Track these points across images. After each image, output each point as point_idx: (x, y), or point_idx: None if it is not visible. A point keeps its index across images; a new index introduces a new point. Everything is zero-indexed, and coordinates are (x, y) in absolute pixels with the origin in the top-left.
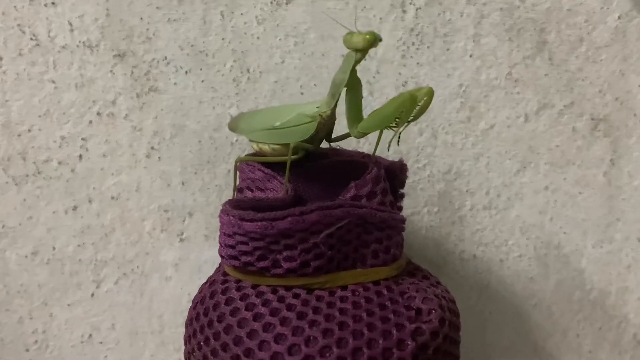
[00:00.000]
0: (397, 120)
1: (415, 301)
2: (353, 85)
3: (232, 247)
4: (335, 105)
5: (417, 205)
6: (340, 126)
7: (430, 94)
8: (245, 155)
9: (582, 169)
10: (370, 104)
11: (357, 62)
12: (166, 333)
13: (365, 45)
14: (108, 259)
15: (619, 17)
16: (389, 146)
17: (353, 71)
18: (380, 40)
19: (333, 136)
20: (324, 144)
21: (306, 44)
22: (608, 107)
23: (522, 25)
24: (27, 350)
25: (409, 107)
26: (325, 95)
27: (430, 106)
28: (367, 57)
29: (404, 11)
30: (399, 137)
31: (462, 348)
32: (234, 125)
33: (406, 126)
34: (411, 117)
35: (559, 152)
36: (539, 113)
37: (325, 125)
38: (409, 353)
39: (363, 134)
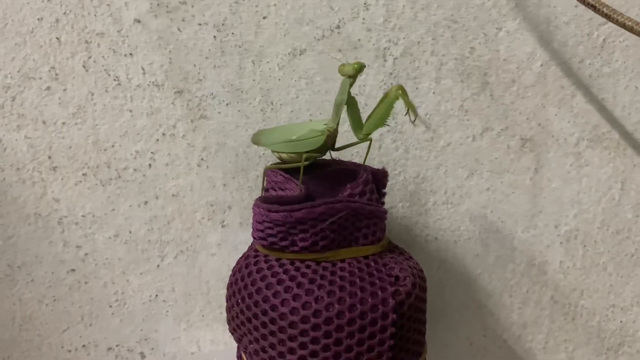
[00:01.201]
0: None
1: (394, 270)
2: (351, 103)
3: (262, 231)
4: (338, 122)
5: (394, 201)
6: (342, 138)
7: (400, 87)
8: (271, 164)
9: (514, 175)
10: None
11: (351, 85)
12: (212, 294)
13: (354, 72)
14: (169, 240)
15: (541, 65)
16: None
17: (349, 93)
18: (365, 66)
19: (336, 146)
20: (327, 155)
21: (314, 84)
22: (533, 130)
23: (470, 71)
24: (110, 306)
25: (392, 102)
26: (329, 115)
27: (404, 129)
28: (356, 94)
29: (385, 60)
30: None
31: (427, 305)
32: (257, 140)
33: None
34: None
35: (497, 163)
36: (483, 134)
37: (331, 137)
38: (390, 308)
39: (366, 136)
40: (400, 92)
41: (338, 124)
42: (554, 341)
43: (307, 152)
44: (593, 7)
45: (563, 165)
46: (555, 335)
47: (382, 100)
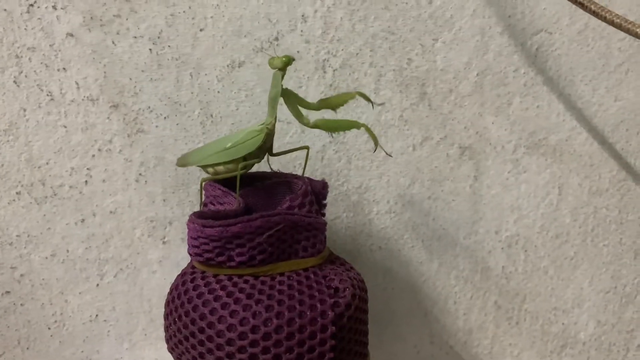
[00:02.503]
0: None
1: (334, 282)
2: (287, 93)
3: (197, 247)
4: (276, 118)
5: (338, 211)
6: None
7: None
8: (208, 177)
9: (454, 183)
10: (303, 138)
11: (282, 77)
12: (154, 312)
13: (283, 65)
14: (109, 258)
15: (477, 74)
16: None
17: (282, 85)
18: (293, 59)
19: (274, 152)
20: (267, 167)
21: (254, 95)
22: (471, 139)
23: (409, 82)
24: (49, 328)
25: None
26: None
27: (346, 140)
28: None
29: (325, 72)
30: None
31: (373, 313)
32: (184, 162)
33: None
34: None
35: (437, 171)
36: (423, 144)
37: (270, 136)
38: (329, 320)
39: (315, 126)
40: (358, 96)
41: (275, 119)
42: (500, 345)
43: (245, 157)
44: (581, 5)
45: (502, 172)
46: (500, 340)
47: (342, 95)
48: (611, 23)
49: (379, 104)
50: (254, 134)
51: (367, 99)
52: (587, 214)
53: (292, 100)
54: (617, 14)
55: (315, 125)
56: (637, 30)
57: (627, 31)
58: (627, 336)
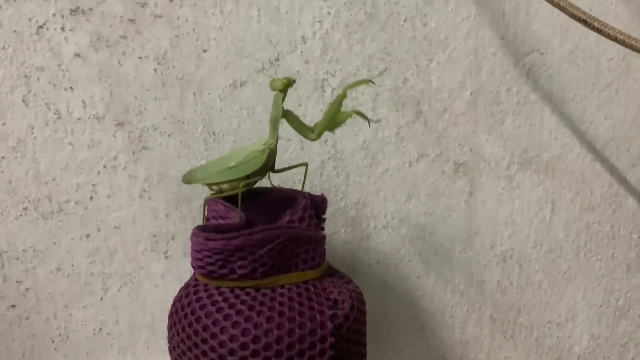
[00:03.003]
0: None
1: (333, 294)
2: (288, 114)
3: (200, 259)
4: (277, 138)
5: (336, 226)
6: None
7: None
8: (211, 195)
9: (449, 198)
10: (302, 155)
11: (283, 99)
12: (157, 325)
13: (283, 87)
14: (112, 272)
15: (470, 93)
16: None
17: (282, 107)
18: (294, 81)
19: (275, 168)
20: (267, 183)
21: (255, 114)
22: (466, 155)
23: (405, 100)
24: (53, 341)
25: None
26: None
27: (344, 156)
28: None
29: (323, 91)
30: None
31: (371, 326)
32: (189, 178)
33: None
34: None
35: (433, 187)
36: (419, 160)
37: (272, 155)
38: (328, 331)
39: (319, 136)
40: (355, 114)
41: (277, 139)
42: (495, 358)
43: (248, 176)
44: (584, 22)
45: (495, 188)
46: (496, 353)
47: (331, 103)
48: (614, 39)
49: (376, 121)
50: (256, 154)
51: (364, 117)
52: (580, 229)
53: (294, 119)
54: (621, 31)
55: (319, 135)
56: None
57: (632, 47)
58: (620, 349)
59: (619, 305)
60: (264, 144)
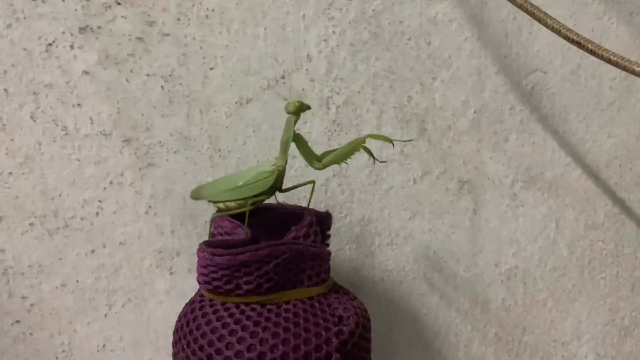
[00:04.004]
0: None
1: (338, 310)
2: (298, 138)
3: (206, 275)
4: (286, 161)
5: (341, 243)
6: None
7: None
8: (216, 213)
9: (454, 216)
10: (307, 172)
11: (295, 122)
12: (161, 342)
13: (295, 110)
14: (117, 288)
15: (474, 112)
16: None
17: (294, 130)
18: (309, 107)
19: (283, 187)
20: (273, 199)
21: (261, 131)
22: (470, 173)
23: (409, 118)
24: (57, 357)
25: (357, 148)
26: (273, 158)
27: (349, 174)
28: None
29: (328, 108)
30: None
31: (375, 344)
32: (197, 194)
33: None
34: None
35: (437, 204)
36: (423, 178)
37: (280, 177)
38: (334, 348)
39: (325, 166)
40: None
41: (286, 161)
42: None
43: (255, 195)
44: (578, 44)
45: (500, 205)
46: None
47: (351, 142)
48: (608, 61)
49: (382, 162)
50: (265, 174)
51: (370, 154)
52: (584, 247)
53: (303, 144)
54: (614, 52)
55: (326, 166)
56: (634, 67)
57: (624, 69)
58: None
59: (624, 324)
60: (273, 165)
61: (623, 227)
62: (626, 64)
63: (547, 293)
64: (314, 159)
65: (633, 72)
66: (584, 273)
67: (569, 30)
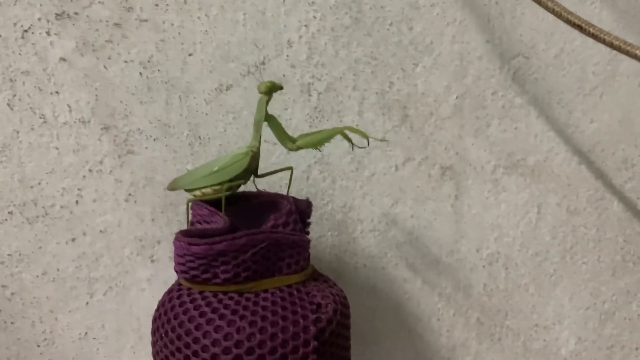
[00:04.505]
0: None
1: (316, 298)
2: (270, 119)
3: (183, 264)
4: (260, 141)
5: (323, 230)
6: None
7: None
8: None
9: (436, 202)
10: (289, 159)
11: (267, 103)
12: (143, 330)
13: (266, 90)
14: (98, 276)
15: (456, 98)
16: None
17: (266, 110)
18: (281, 87)
19: (259, 173)
20: (252, 187)
21: (241, 118)
22: (452, 159)
23: (391, 104)
24: (39, 346)
25: (334, 136)
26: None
27: (331, 160)
28: (285, 127)
29: (310, 95)
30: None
31: (358, 330)
32: (174, 185)
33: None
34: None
35: (419, 191)
36: (405, 164)
37: (255, 158)
38: (311, 335)
39: (299, 148)
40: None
41: (259, 142)
42: None
43: (231, 179)
44: (579, 27)
45: (482, 191)
46: (483, 357)
47: (330, 130)
48: (610, 45)
49: (360, 147)
50: (239, 157)
51: (349, 141)
52: (566, 233)
53: (276, 125)
54: (616, 37)
55: (300, 148)
56: (637, 52)
57: (627, 53)
58: (607, 352)
59: (605, 308)
60: (247, 147)
61: (605, 212)
62: (629, 48)
63: (529, 278)
64: (287, 140)
65: (635, 57)
66: (566, 258)
67: (570, 13)
